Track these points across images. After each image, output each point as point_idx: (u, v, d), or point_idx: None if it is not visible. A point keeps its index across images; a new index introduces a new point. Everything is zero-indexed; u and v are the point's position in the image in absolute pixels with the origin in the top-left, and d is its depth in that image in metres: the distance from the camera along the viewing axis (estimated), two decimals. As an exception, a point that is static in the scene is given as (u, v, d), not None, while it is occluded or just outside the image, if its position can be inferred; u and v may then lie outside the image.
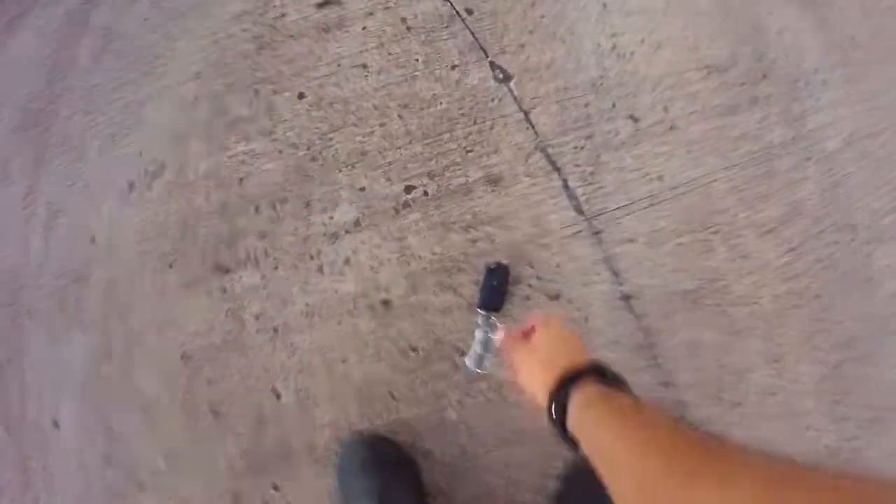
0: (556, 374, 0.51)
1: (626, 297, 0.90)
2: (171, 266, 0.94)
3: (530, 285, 0.90)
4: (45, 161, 1.17)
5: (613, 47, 1.03)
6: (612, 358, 0.81)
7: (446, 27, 1.04)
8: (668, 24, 1.04)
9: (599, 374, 0.50)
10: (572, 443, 0.48)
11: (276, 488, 0.84)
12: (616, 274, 0.90)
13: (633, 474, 0.36)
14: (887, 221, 0.98)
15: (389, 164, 0.94)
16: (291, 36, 1.07)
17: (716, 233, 0.94)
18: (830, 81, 1.03)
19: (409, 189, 0.93)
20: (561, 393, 0.49)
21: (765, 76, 1.02)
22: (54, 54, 1.36)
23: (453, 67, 1.01)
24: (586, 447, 0.44)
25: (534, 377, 0.56)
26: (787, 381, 0.90)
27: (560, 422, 0.48)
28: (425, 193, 0.92)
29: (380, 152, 0.94)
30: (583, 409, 0.46)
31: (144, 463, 0.91)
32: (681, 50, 1.03)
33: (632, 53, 1.02)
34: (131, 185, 1.02)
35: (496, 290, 0.85)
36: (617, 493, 0.37)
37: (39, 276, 1.05)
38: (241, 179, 0.95)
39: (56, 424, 0.98)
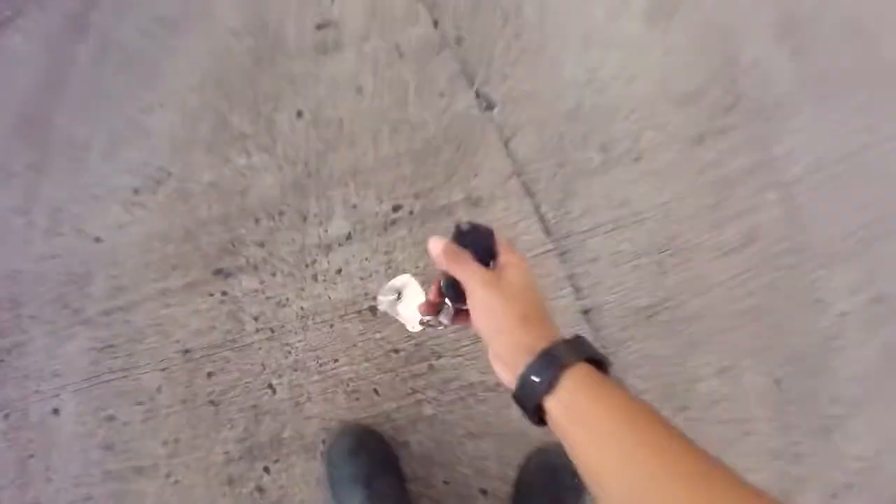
0: (538, 341, 0.42)
1: (587, 311, 1.02)
2: (174, 269, 1.01)
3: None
4: (46, 165, 1.22)
5: (590, 80, 1.14)
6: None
7: (437, 54, 1.14)
8: (643, 58, 1.16)
9: (584, 350, 0.43)
10: (540, 420, 0.42)
11: (267, 471, 0.94)
12: (578, 290, 1.02)
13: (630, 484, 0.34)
14: (841, 246, 1.12)
15: (380, 183, 1.04)
16: (290, 54, 1.16)
17: (673, 255, 1.07)
18: (797, 110, 1.16)
19: (396, 208, 1.03)
20: (544, 368, 0.40)
21: (734, 106, 1.15)
22: (52, 60, 1.40)
23: (441, 95, 1.11)
24: (574, 443, 0.38)
25: (509, 333, 0.44)
26: (734, 389, 1.04)
27: (533, 400, 0.40)
28: (411, 212, 1.03)
29: (371, 172, 1.04)
30: (576, 400, 0.39)
31: (145, 449, 0.99)
32: (654, 82, 1.15)
33: (607, 85, 1.14)
34: (136, 191, 1.09)
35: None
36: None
37: (42, 277, 1.11)
38: (242, 191, 1.03)
39: (56, 412, 1.05)
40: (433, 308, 0.56)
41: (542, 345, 0.41)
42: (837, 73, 1.22)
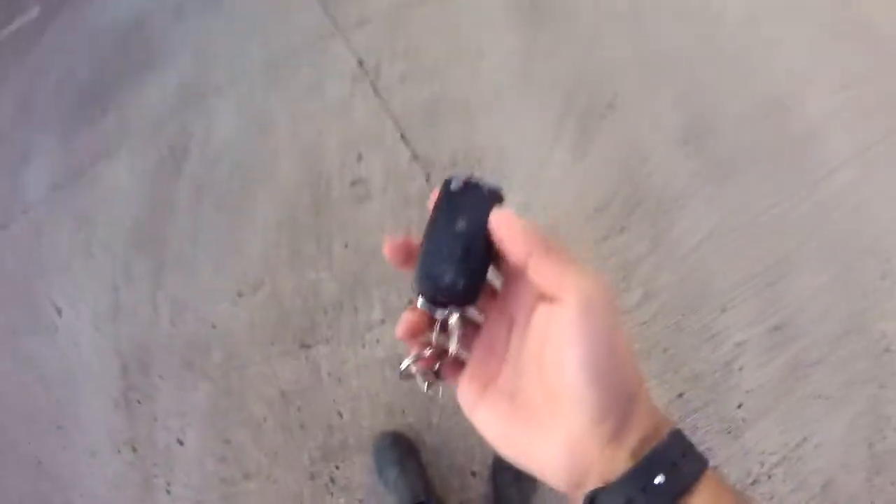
0: (629, 438, 0.27)
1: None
2: (272, 343, 1.63)
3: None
4: (164, 271, 1.83)
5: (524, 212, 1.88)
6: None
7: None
8: (565, 190, 1.78)
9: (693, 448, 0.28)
10: None
11: (337, 468, 1.53)
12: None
13: None
14: (737, 292, 1.54)
15: (401, 286, 1.70)
16: (335, 204, 1.84)
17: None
18: (694, 197, 1.67)
19: (410, 301, 1.70)
20: (672, 471, 0.26)
21: (636, 207, 1.68)
22: (153, 192, 2.03)
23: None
24: None
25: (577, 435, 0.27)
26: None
27: None
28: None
29: (395, 278, 1.71)
30: None
31: (251, 460, 1.56)
32: (572, 203, 1.80)
33: (536, 216, 1.82)
34: (240, 294, 1.71)
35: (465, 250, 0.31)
36: None
37: (169, 348, 1.69)
38: (315, 294, 1.67)
39: (181, 442, 1.60)
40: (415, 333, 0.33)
41: (657, 425, 0.29)
42: (740, 154, 1.71)
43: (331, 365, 1.59)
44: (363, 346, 1.60)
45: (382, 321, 1.63)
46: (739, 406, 1.43)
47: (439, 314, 0.32)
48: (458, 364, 0.34)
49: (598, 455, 0.27)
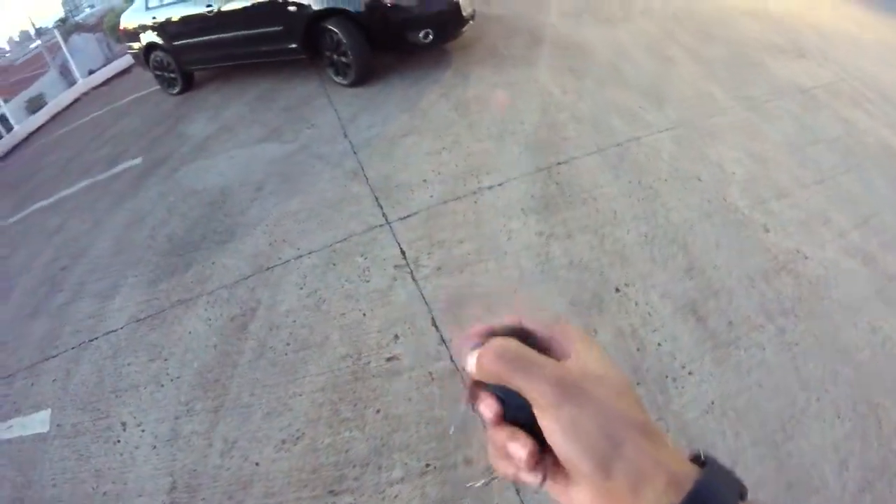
0: (680, 465, 0.29)
1: None
2: (304, 486, 1.97)
3: None
4: (222, 412, 2.23)
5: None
6: None
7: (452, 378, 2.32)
8: None
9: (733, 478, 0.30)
10: None
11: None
12: None
13: None
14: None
15: (425, 450, 2.10)
16: (372, 376, 2.30)
17: None
18: (697, 370, 2.15)
19: (427, 465, 2.08)
20: None
21: (638, 384, 2.13)
22: (222, 343, 2.50)
23: (456, 399, 2.26)
24: None
25: (631, 455, 0.29)
26: None
27: None
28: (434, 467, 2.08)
29: (417, 443, 2.11)
30: None
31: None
32: None
33: None
34: (283, 441, 2.09)
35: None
36: None
37: (216, 478, 2.03)
38: (346, 451, 2.06)
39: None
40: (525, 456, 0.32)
41: (685, 469, 0.29)
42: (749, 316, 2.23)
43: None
44: (383, 500, 1.95)
45: (402, 479, 2.00)
46: None
47: None
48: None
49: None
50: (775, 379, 2.03)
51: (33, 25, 12.06)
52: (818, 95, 3.92)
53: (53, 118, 8.42)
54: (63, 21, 15.31)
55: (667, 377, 2.09)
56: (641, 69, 4.29)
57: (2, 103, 8.56)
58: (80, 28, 15.12)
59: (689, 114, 3.66)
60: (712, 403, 1.98)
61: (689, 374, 2.09)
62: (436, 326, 2.44)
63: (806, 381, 2.02)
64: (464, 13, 4.44)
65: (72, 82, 9.67)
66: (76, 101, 8.83)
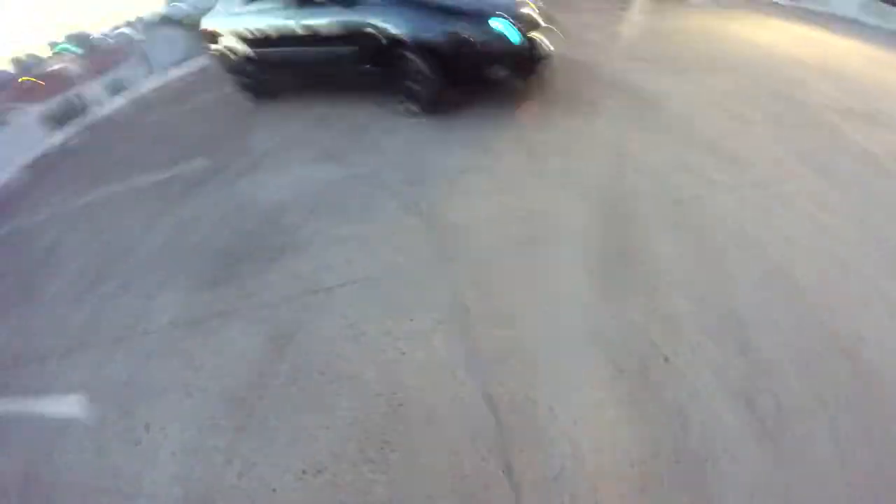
0: None
1: None
2: (319, 526, 1.89)
3: None
4: (245, 431, 2.17)
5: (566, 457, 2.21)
6: None
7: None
8: (608, 440, 2.23)
9: None
10: None
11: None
12: None
13: None
14: None
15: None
16: (402, 417, 2.23)
17: None
18: (742, 455, 1.91)
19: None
20: None
21: (678, 461, 1.96)
22: (256, 361, 2.46)
23: None
24: None
25: None
26: None
27: None
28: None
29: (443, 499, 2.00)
30: None
31: None
32: (616, 456, 2.20)
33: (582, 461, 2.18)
34: (304, 471, 2.02)
35: None
36: None
37: (229, 498, 1.95)
38: (366, 491, 1.97)
39: None
40: None
41: None
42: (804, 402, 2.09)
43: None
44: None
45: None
46: None
47: None
48: None
49: None
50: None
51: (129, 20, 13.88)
52: (886, 164, 3.70)
53: (132, 103, 9.08)
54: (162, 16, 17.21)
55: (706, 460, 1.95)
56: (713, 125, 4.22)
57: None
58: (168, 22, 16.78)
59: (758, 176, 3.55)
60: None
61: (732, 458, 1.94)
62: (473, 377, 2.36)
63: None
64: (540, 52, 4.49)
65: (151, 73, 10.84)
66: (153, 90, 9.51)
